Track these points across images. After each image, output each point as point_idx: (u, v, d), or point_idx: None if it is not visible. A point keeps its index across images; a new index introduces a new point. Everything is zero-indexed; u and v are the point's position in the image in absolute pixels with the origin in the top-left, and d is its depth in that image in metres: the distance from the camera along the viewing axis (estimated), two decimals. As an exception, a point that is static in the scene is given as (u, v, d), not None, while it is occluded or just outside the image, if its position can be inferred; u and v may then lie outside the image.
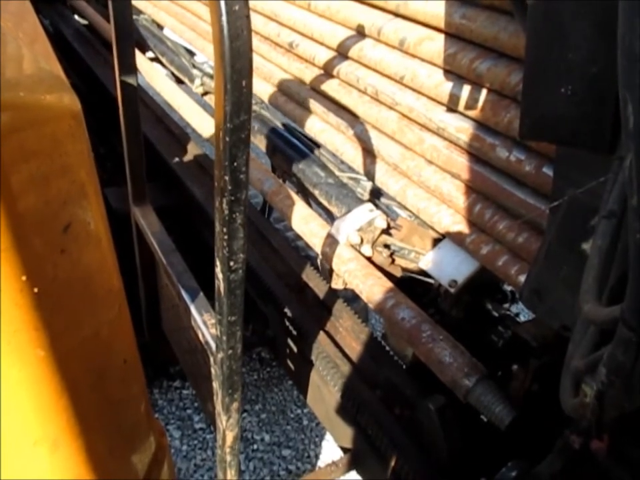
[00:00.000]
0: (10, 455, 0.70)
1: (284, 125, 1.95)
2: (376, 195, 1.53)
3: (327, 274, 1.33)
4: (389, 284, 1.21)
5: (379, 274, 1.23)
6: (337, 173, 1.65)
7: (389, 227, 1.27)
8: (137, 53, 2.54)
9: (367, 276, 1.22)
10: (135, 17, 2.56)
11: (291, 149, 1.79)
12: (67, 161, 0.65)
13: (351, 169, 1.61)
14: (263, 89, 1.84)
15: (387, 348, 1.42)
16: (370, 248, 1.23)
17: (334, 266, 1.28)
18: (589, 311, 0.60)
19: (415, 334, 1.10)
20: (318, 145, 1.75)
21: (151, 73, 2.38)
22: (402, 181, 1.35)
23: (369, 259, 1.28)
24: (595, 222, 0.68)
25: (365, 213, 1.28)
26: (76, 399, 0.71)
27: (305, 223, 1.39)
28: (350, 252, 1.27)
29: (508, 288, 1.30)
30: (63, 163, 0.64)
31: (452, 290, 1.21)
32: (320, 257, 1.31)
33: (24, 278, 0.60)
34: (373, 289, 1.19)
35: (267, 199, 1.53)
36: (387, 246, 1.28)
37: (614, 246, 0.61)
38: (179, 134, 2.27)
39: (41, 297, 0.62)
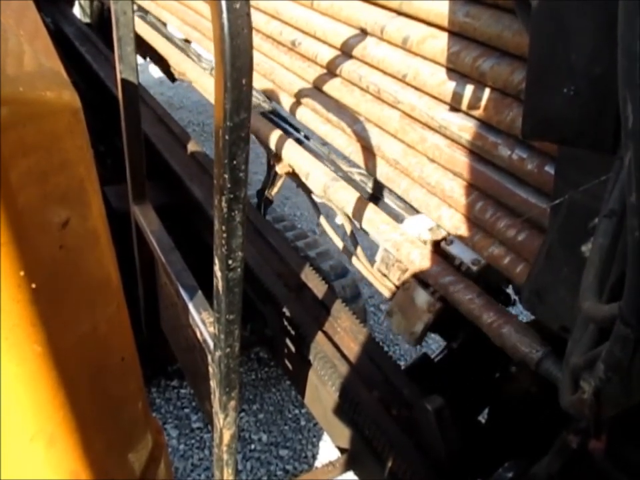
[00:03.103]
0: (6, 450, 0.69)
1: (286, 121, 1.95)
2: (378, 192, 1.53)
3: (392, 263, 1.41)
4: (456, 272, 1.26)
5: (445, 263, 1.29)
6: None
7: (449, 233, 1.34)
8: (163, 39, 2.56)
9: (435, 262, 1.29)
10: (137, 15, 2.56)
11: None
12: (66, 156, 0.65)
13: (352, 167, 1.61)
14: (264, 86, 1.84)
15: (385, 348, 1.42)
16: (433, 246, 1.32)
17: (403, 254, 1.34)
18: (589, 308, 0.60)
19: (484, 313, 1.16)
20: (321, 144, 1.75)
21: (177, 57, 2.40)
22: (404, 179, 1.35)
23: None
24: (595, 223, 0.68)
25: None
26: (73, 395, 0.71)
27: (374, 212, 1.46)
28: (420, 244, 1.35)
29: (509, 290, 1.30)
30: (62, 158, 0.64)
31: (475, 268, 1.22)
32: (388, 244, 1.40)
33: (22, 273, 0.59)
34: (442, 272, 1.26)
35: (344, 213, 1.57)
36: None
37: (614, 245, 0.61)
38: (179, 133, 2.27)
39: (38, 292, 0.62)
